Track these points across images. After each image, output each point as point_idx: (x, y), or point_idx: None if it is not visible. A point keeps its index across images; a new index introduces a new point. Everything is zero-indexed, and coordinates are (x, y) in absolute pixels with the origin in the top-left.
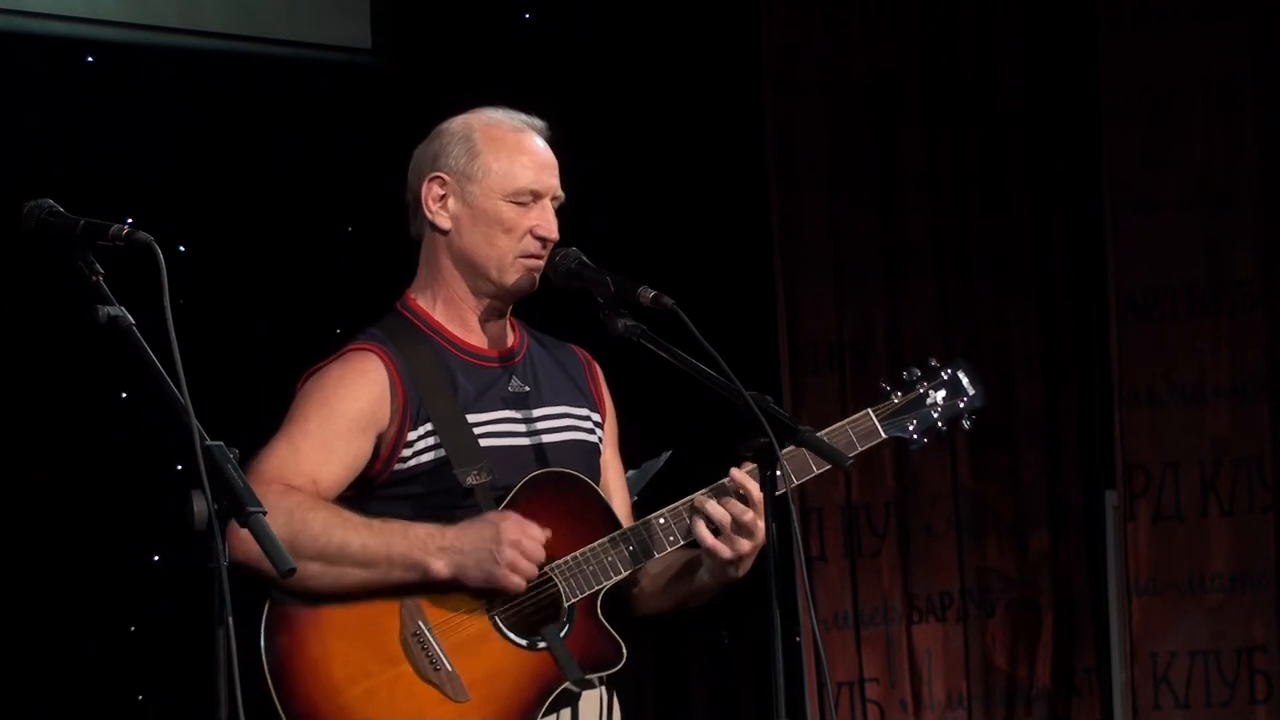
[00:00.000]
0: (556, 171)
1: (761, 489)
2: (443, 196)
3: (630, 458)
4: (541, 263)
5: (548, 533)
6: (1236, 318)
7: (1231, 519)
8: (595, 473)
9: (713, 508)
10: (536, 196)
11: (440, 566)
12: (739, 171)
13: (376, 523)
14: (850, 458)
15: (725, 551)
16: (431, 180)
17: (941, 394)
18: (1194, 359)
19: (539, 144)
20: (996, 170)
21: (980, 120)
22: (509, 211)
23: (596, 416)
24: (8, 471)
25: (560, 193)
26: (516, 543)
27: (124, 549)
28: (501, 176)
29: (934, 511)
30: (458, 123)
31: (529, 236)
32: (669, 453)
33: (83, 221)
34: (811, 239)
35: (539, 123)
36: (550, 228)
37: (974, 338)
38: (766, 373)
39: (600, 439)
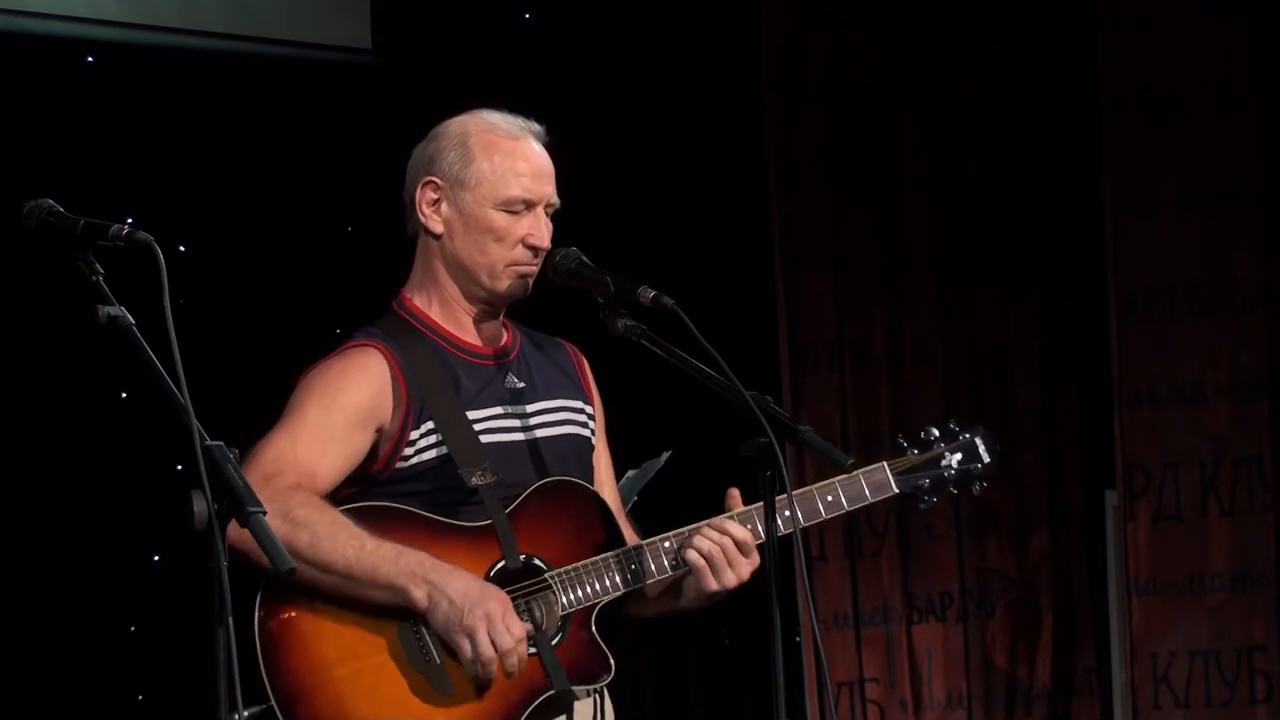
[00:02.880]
0: (552, 179)
1: (761, 490)
2: (436, 201)
3: (630, 458)
4: (533, 270)
5: (526, 630)
6: (1236, 318)
7: (1231, 519)
8: (589, 467)
9: (700, 541)
10: (530, 205)
11: (420, 596)
12: (739, 171)
13: (370, 543)
14: (850, 458)
15: (713, 584)
16: (425, 184)
17: (957, 457)
18: (1194, 359)
19: (535, 150)
20: (996, 170)
21: (980, 121)
22: (501, 220)
23: (590, 409)
24: (8, 471)
25: (555, 200)
26: (490, 618)
27: (124, 549)
28: (495, 185)
29: (934, 511)
30: (455, 125)
31: (520, 246)
32: (669, 453)
33: (83, 221)
34: (811, 239)
35: (537, 126)
36: (542, 237)
37: (974, 338)
38: (766, 373)
39: (593, 430)
